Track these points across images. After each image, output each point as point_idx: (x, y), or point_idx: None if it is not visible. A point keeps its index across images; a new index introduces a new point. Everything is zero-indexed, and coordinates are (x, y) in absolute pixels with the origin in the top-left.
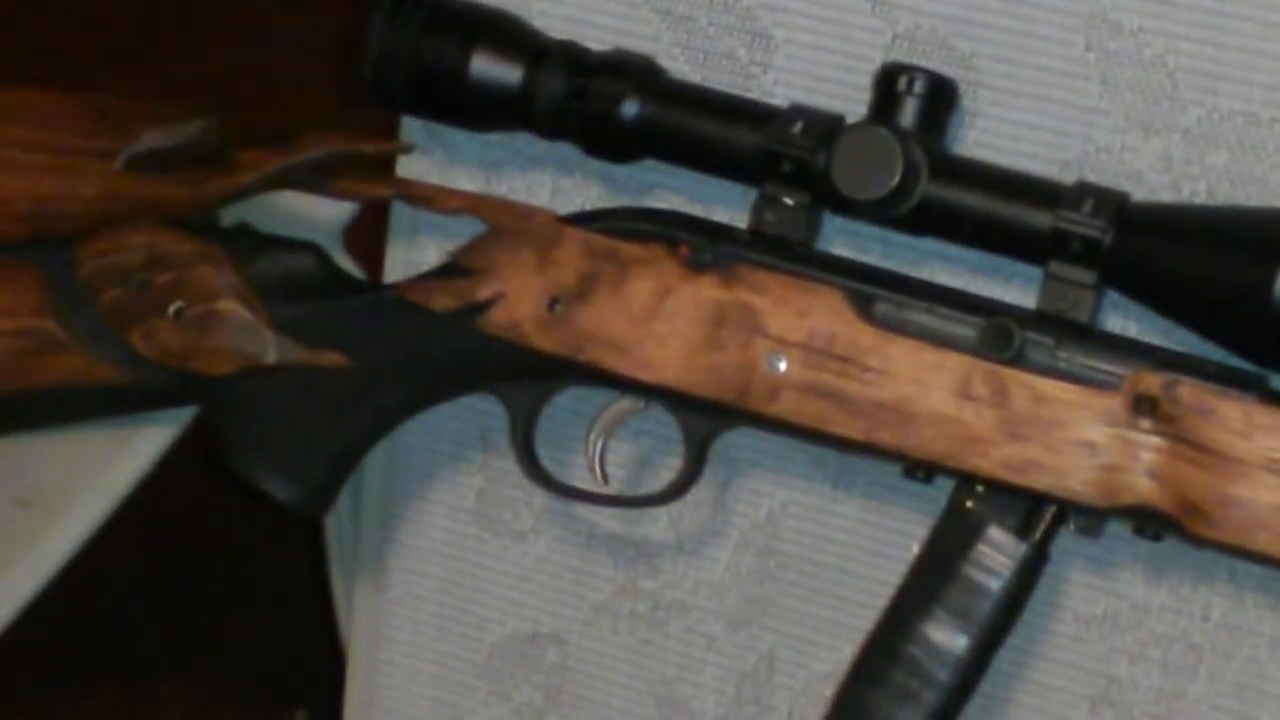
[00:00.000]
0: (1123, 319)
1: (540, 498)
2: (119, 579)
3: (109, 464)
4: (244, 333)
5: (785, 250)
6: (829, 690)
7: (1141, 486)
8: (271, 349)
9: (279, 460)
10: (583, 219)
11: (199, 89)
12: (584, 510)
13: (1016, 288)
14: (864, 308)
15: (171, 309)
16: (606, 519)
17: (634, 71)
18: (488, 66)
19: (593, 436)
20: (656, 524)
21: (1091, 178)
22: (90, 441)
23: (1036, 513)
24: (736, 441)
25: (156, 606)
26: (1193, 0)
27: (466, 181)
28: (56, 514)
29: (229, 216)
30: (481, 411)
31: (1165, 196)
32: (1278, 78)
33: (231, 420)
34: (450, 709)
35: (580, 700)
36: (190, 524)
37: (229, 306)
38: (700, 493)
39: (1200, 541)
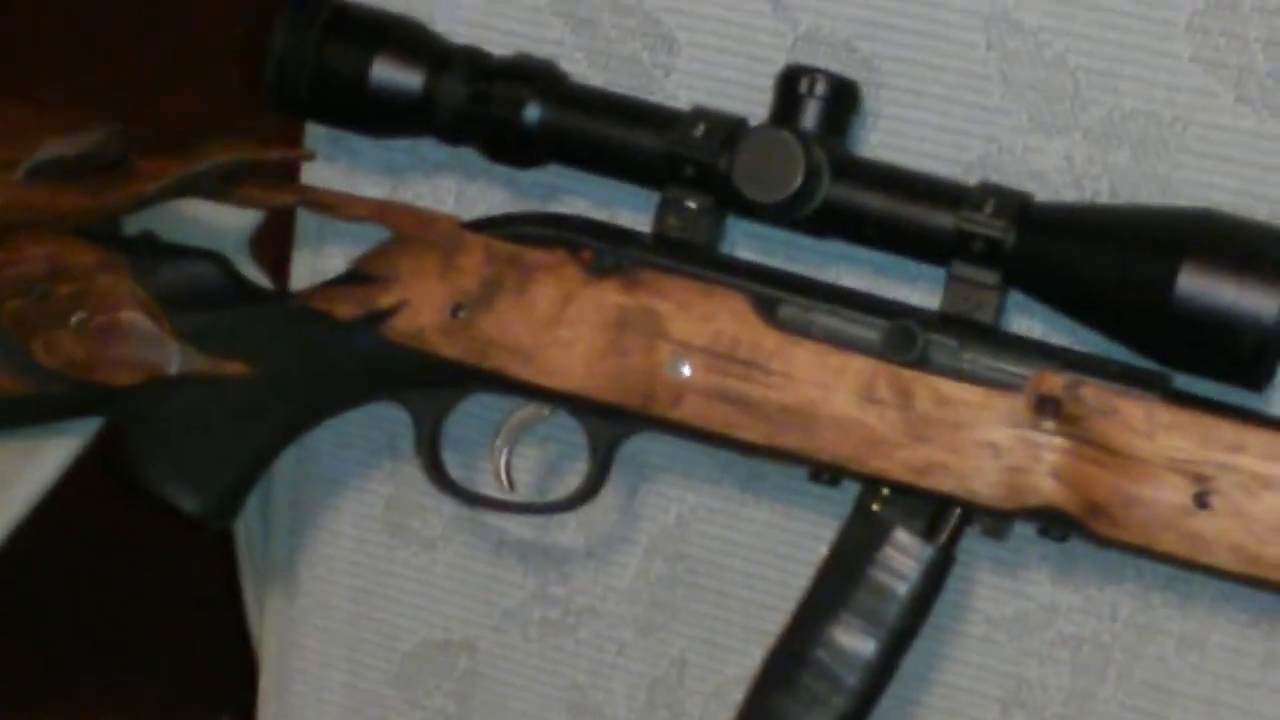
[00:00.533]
0: (1027, 320)
1: (449, 505)
2: (35, 590)
3: (15, 476)
4: (147, 343)
5: (688, 254)
6: (741, 694)
7: (1046, 488)
8: (175, 359)
9: (184, 470)
10: (486, 225)
11: (99, 96)
12: (493, 517)
13: (921, 289)
14: (768, 311)
15: (74, 319)
16: (516, 525)
17: (536, 76)
18: (389, 72)
19: (498, 443)
20: (566, 530)
21: (994, 178)
22: None
23: (942, 515)
24: (645, 446)
25: (75, 617)
26: (1093, 0)
27: (371, 188)
28: None
29: (133, 225)
30: (390, 419)
31: (1068, 196)
32: (1178, 77)
33: (136, 430)
34: (362, 717)
35: (493, 707)
36: (107, 533)
37: (131, 316)
38: (609, 498)
39: (1105, 542)
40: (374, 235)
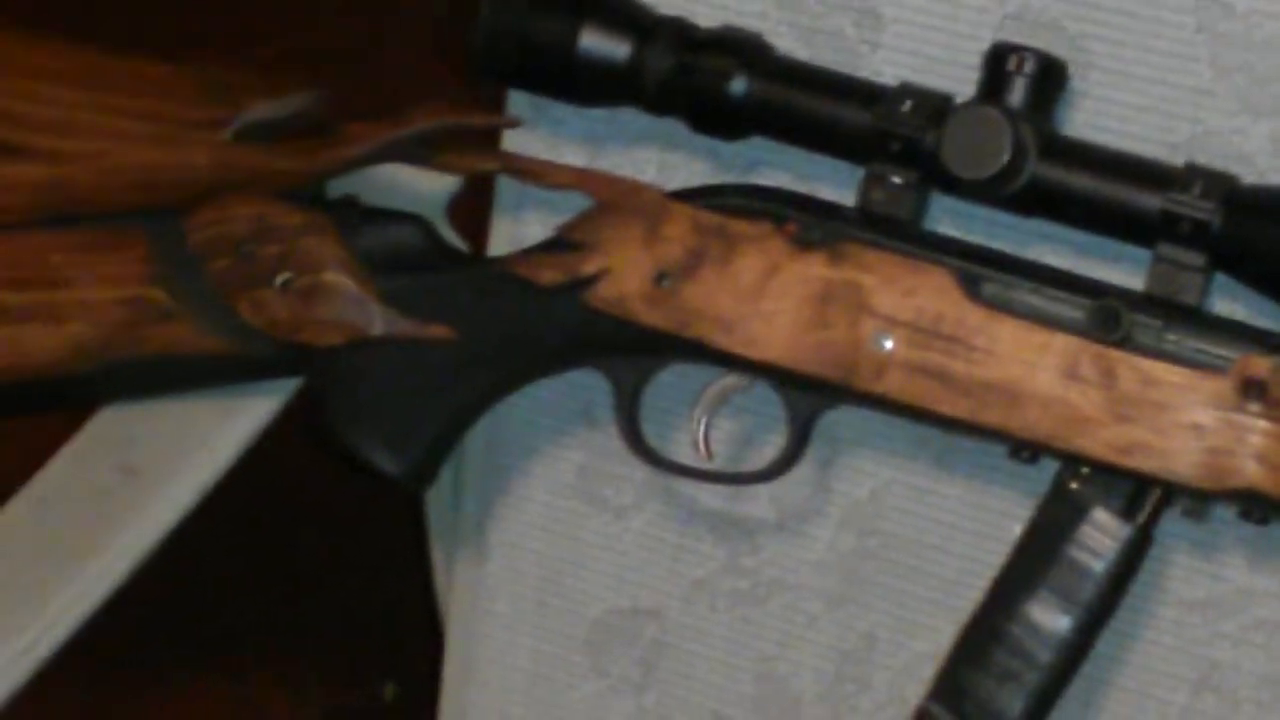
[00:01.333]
0: (1231, 302)
1: (642, 473)
2: (217, 548)
3: (215, 433)
4: (350, 304)
5: (893, 229)
6: (929, 670)
7: (1249, 470)
8: (377, 321)
9: (384, 432)
10: (690, 195)
11: (308, 60)
12: (685, 486)
13: (1123, 270)
14: (972, 287)
15: (279, 280)
16: (707, 495)
17: (743, 48)
18: (596, 42)
19: (697, 413)
20: (757, 501)
21: (1200, 160)
22: (197, 410)
23: (1142, 495)
24: (838, 419)
25: (254, 576)
26: None
27: (572, 156)
28: (162, 482)
29: (335, 188)
30: (583, 386)
31: (1275, 179)
32: None
33: (336, 391)
34: (548, 682)
35: (679, 676)
36: (290, 494)
37: (335, 278)
38: (802, 470)
39: None
40: (572, 203)
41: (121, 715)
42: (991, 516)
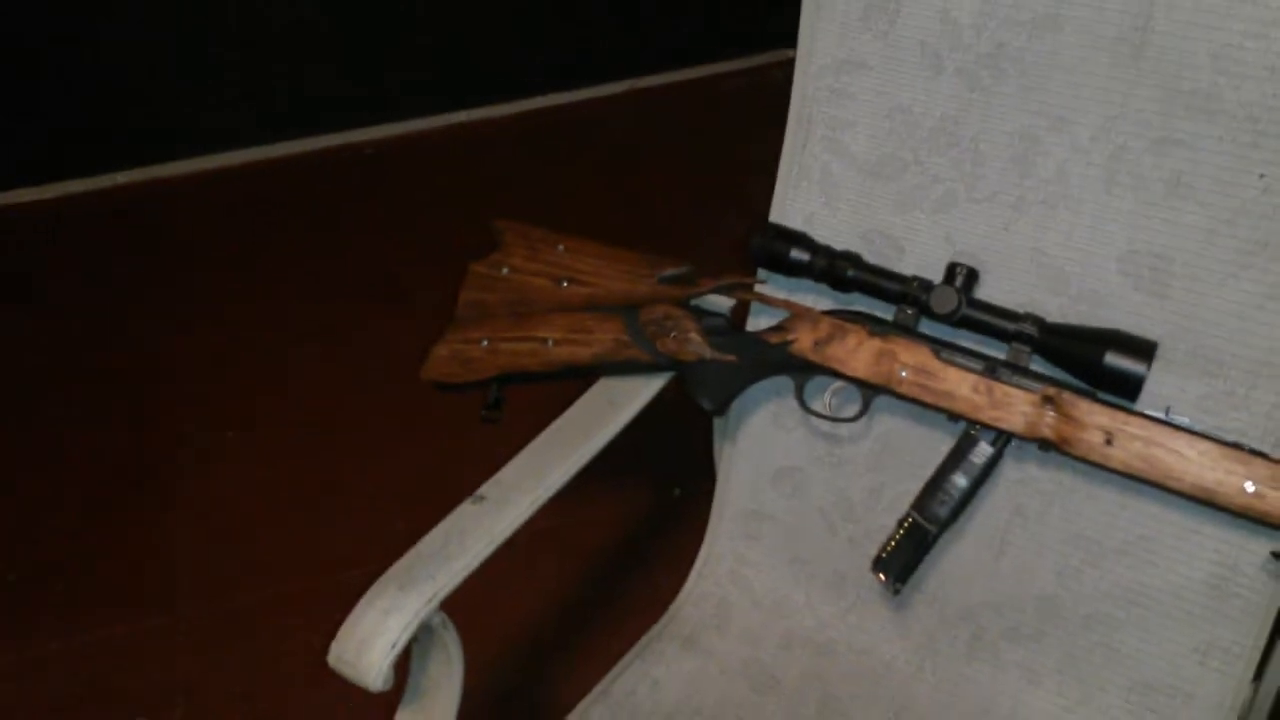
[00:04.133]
0: (1039, 365)
1: (799, 415)
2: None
3: (642, 390)
4: (698, 346)
5: (907, 331)
6: (909, 499)
7: (1046, 431)
8: (708, 352)
9: (708, 394)
10: (828, 313)
11: (678, 252)
12: (816, 421)
13: (996, 349)
14: (937, 353)
15: (672, 334)
16: (825, 425)
17: (851, 259)
18: (798, 254)
19: (827, 394)
20: (841, 429)
21: (1034, 311)
22: (636, 382)
23: (1000, 436)
24: (881, 401)
25: (638, 439)
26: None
27: (783, 294)
28: (620, 409)
29: (695, 303)
30: (778, 381)
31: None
32: None
33: (691, 379)
34: (759, 468)
35: (807, 493)
36: (662, 413)
37: (695, 336)
38: (862, 420)
39: (1067, 454)
40: (780, 314)
41: None
42: (938, 442)
